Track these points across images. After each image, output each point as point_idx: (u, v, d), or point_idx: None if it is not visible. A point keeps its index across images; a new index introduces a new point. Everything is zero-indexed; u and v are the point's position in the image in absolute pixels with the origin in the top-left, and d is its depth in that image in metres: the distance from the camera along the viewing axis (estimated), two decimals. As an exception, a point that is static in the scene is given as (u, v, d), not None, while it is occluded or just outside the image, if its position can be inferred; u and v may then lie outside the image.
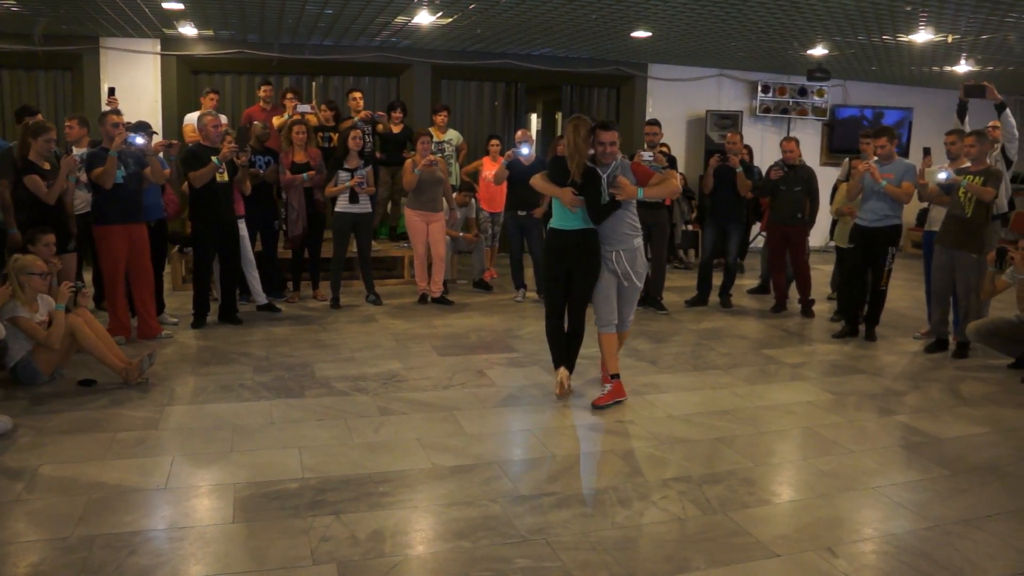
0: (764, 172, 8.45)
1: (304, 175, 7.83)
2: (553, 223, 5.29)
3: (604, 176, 4.99)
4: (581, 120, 5.06)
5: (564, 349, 5.40)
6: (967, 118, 7.31)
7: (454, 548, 3.40)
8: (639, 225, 5.25)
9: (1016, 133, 6.96)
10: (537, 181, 5.32)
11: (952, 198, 6.60)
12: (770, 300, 8.53)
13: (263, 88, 9.28)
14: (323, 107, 9.32)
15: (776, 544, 3.49)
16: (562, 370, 5.38)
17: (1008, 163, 6.92)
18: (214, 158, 6.70)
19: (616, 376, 5.32)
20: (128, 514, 3.61)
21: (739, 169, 8.08)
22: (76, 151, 6.56)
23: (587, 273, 5.19)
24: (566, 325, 5.40)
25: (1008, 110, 6.89)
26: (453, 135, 9.78)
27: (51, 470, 4.05)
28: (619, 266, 5.16)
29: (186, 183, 7.01)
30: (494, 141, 9.20)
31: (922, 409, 5.41)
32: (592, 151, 5.05)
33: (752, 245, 11.62)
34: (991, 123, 7.24)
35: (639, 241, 5.22)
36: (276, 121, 8.71)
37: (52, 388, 5.34)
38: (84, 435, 4.54)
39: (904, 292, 9.21)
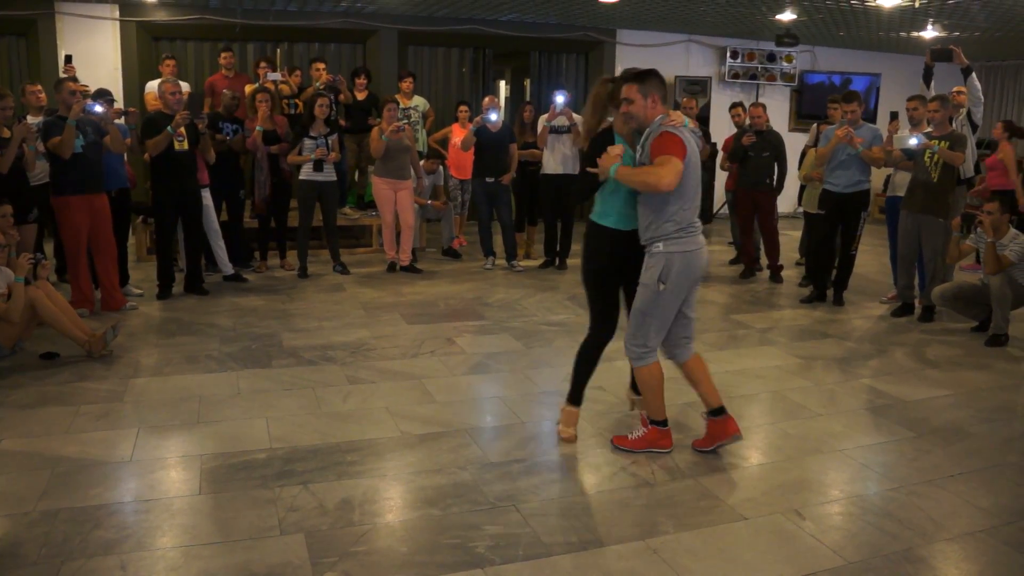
0: (734, 138, 8.46)
1: (270, 147, 7.75)
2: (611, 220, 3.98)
3: (640, 144, 3.86)
4: (620, 76, 3.97)
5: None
6: (932, 83, 7.33)
7: (423, 516, 3.39)
8: (675, 226, 3.77)
9: (982, 97, 7.00)
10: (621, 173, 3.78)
11: (918, 163, 6.63)
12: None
13: (223, 55, 9.11)
14: (295, 74, 9.19)
15: (744, 507, 3.52)
16: (575, 411, 4.27)
17: (974, 127, 6.96)
18: (169, 127, 6.57)
19: (658, 423, 4.07)
20: (92, 487, 3.57)
21: (698, 134, 8.06)
22: (31, 119, 6.39)
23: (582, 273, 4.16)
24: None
25: (974, 74, 6.92)
26: (419, 102, 9.68)
27: (13, 444, 3.99)
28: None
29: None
30: (463, 107, 9.12)
31: (888, 372, 5.47)
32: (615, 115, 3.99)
33: (722, 211, 11.65)
34: (956, 88, 7.27)
35: (662, 247, 3.77)
36: (248, 89, 8.58)
37: (13, 362, 5.24)
38: (47, 408, 4.47)
39: (872, 257, 9.28)
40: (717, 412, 4.05)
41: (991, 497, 3.66)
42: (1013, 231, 6.12)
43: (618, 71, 11.75)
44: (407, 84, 9.52)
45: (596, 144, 3.94)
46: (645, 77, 3.83)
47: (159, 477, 3.71)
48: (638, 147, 3.86)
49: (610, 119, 4.10)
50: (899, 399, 4.94)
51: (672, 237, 3.77)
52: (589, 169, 3.86)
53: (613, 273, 4.04)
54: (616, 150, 3.79)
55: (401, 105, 9.02)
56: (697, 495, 3.63)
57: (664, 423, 4.06)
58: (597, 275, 4.05)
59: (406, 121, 8.73)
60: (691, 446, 4.13)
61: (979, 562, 3.16)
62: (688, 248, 3.80)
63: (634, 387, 4.32)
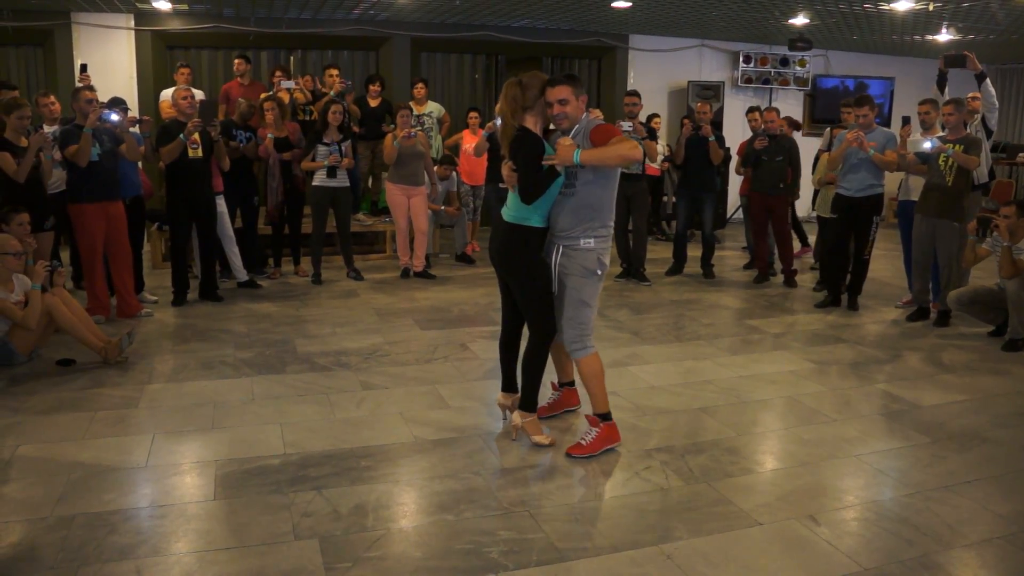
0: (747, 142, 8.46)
1: (282, 154, 7.79)
2: None
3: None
4: (526, 77, 3.99)
5: (505, 368, 4.46)
6: (947, 89, 7.30)
7: (436, 521, 3.39)
8: (607, 223, 4.04)
9: (996, 103, 6.96)
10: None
11: (932, 167, 6.60)
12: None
13: (237, 62, 9.16)
14: (307, 78, 9.24)
15: (758, 513, 3.51)
16: (499, 395, 4.50)
17: (989, 133, 6.92)
18: (182, 135, 6.61)
19: (605, 417, 4.16)
20: (108, 493, 3.58)
21: (712, 138, 8.08)
22: (47, 128, 6.45)
23: (519, 278, 4.12)
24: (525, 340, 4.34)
25: (988, 80, 6.89)
26: (434, 107, 9.70)
27: (30, 450, 4.01)
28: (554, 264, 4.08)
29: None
30: (473, 113, 9.13)
31: (903, 377, 5.44)
32: (529, 117, 4.02)
33: (737, 216, 11.61)
34: (970, 94, 7.24)
35: (594, 243, 3.99)
36: (263, 97, 8.63)
37: (30, 368, 5.28)
38: (63, 415, 4.50)
39: (886, 261, 9.24)
40: (571, 384, 4.61)
41: (1009, 503, 3.63)
42: (1030, 235, 6.08)
43: (631, 76, 11.90)
44: (418, 90, 9.53)
45: (523, 144, 3.98)
46: (575, 79, 3.97)
47: (174, 482, 3.73)
48: (558, 143, 3.92)
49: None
50: (914, 404, 4.91)
51: (602, 235, 4.02)
52: (547, 162, 3.88)
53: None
54: (567, 141, 3.87)
55: (415, 112, 9.03)
56: (711, 501, 3.62)
57: (609, 415, 4.16)
58: (545, 272, 4.08)
59: (419, 128, 8.74)
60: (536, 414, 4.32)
61: (997, 569, 3.13)
62: (609, 244, 4.10)
63: (521, 407, 4.27)
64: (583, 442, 4.12)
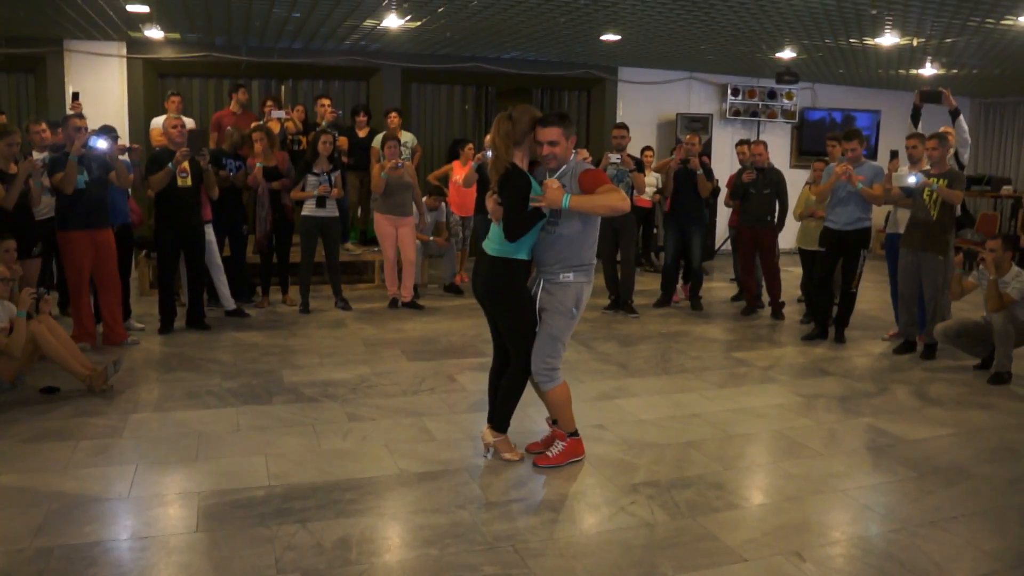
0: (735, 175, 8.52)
1: (271, 183, 7.79)
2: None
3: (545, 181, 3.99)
4: (516, 112, 4.07)
5: (492, 399, 4.47)
6: (920, 123, 7.39)
7: (421, 556, 3.37)
8: (588, 259, 4.15)
9: (968, 139, 7.08)
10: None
11: (916, 201, 6.66)
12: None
13: (241, 91, 9.16)
14: (299, 108, 9.27)
15: (744, 548, 3.49)
16: (484, 429, 4.46)
17: (960, 167, 7.00)
18: (170, 164, 6.62)
19: (572, 434, 4.36)
20: (89, 524, 3.54)
21: (699, 171, 8.14)
22: (37, 155, 6.45)
23: (506, 311, 4.20)
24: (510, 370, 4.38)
25: (962, 116, 7.00)
26: (408, 138, 9.68)
27: (9, 480, 3.97)
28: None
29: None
30: (470, 145, 9.16)
31: (890, 411, 5.44)
32: (517, 152, 4.09)
33: (725, 247, 11.66)
34: (943, 128, 7.31)
35: (572, 277, 4.09)
36: (253, 127, 8.65)
37: (13, 396, 5.23)
38: (45, 443, 4.45)
39: (873, 294, 9.28)
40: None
41: (995, 540, 3.62)
42: (1015, 268, 6.12)
43: (620, 108, 11.99)
44: (392, 119, 9.47)
45: (510, 182, 4.02)
46: (566, 120, 4.06)
47: (156, 514, 3.69)
48: (546, 184, 3.96)
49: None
50: (901, 438, 4.91)
51: (583, 269, 4.14)
52: (534, 204, 3.93)
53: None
54: (555, 183, 3.94)
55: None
56: (697, 536, 3.60)
57: (576, 432, 4.38)
58: (531, 305, 4.19)
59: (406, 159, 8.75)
60: (526, 448, 4.50)
61: (982, 606, 3.12)
62: (591, 278, 4.20)
63: (493, 426, 4.41)
64: (550, 454, 4.33)
